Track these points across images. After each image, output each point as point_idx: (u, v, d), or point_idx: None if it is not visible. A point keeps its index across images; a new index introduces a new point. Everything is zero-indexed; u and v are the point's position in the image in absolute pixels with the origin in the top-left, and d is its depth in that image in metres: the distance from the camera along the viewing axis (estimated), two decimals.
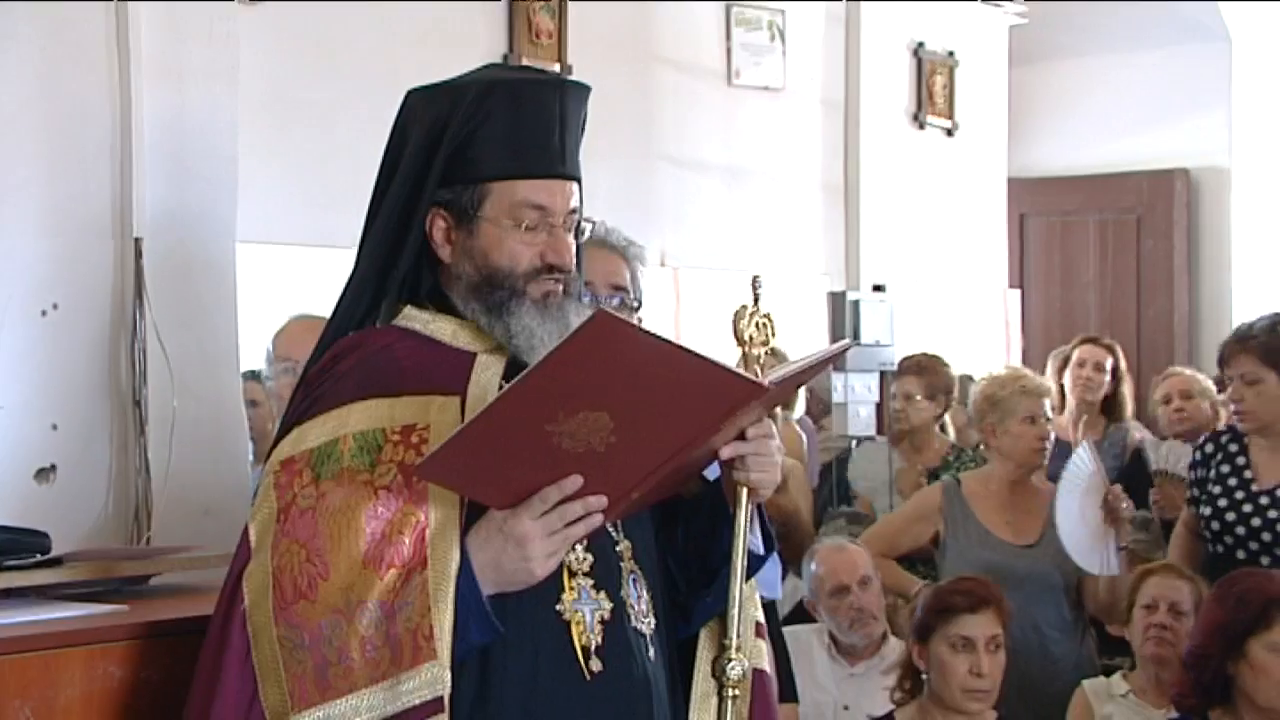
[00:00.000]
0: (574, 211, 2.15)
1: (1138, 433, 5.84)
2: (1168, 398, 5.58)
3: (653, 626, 2.11)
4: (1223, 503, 4.16)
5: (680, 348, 1.83)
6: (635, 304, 2.75)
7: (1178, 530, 4.48)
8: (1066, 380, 5.94)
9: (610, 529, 2.09)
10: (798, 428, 6.21)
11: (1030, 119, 8.60)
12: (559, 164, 2.13)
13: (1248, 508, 4.11)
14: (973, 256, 7.71)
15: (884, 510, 5.57)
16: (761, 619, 2.27)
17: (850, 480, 5.88)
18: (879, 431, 6.40)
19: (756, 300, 2.06)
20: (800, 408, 6.36)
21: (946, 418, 5.84)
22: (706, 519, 2.14)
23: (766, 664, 2.24)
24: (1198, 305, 8.56)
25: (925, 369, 5.70)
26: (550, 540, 1.93)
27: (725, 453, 2.02)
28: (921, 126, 7.42)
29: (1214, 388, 5.58)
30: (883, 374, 6.43)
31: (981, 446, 4.92)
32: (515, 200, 2.10)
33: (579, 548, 2.05)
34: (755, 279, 2.07)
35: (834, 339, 6.44)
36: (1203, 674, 3.52)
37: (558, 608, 2.03)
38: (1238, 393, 4.17)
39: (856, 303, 6.51)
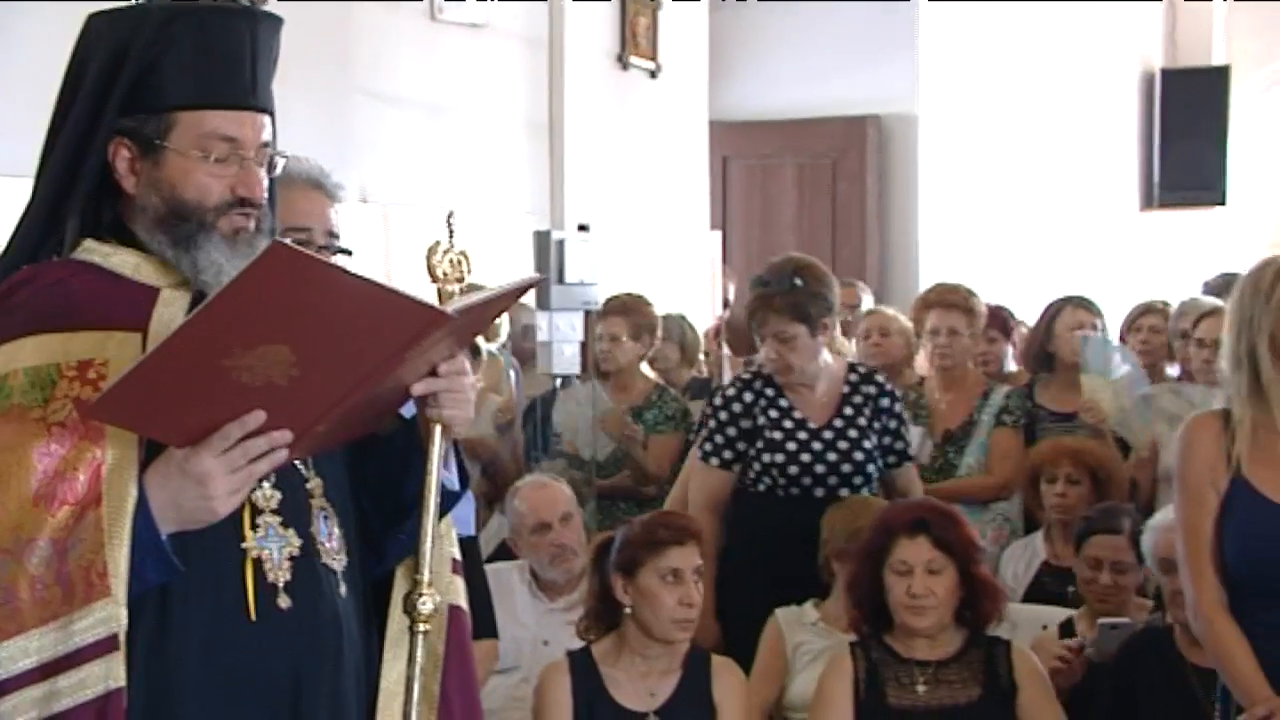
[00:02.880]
0: (266, 145, 2.09)
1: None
2: (867, 333, 5.79)
3: (344, 564, 2.09)
4: (778, 446, 4.29)
5: (359, 277, 1.82)
6: (348, 251, 2.69)
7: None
8: None
9: (300, 466, 2.07)
10: (505, 362, 6.24)
11: (731, 63, 8.74)
12: (250, 95, 2.08)
13: (808, 445, 4.28)
14: (676, 197, 7.83)
15: (587, 449, 5.65)
16: (458, 555, 2.28)
17: (555, 419, 5.93)
18: (583, 370, 6.46)
19: (451, 236, 2.06)
20: (502, 339, 6.37)
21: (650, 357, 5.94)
22: (400, 456, 2.13)
23: (461, 600, 2.25)
24: (888, 246, 8.88)
25: (630, 309, 5.78)
26: (233, 477, 1.90)
27: (417, 389, 2.01)
28: (625, 67, 7.48)
29: (911, 326, 5.82)
30: (587, 313, 6.48)
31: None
32: (204, 131, 2.04)
33: (266, 484, 2.02)
34: (450, 214, 2.06)
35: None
36: (860, 599, 3.74)
37: (243, 545, 2.00)
38: (774, 351, 4.31)
39: (561, 242, 6.53)
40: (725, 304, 7.74)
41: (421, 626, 2.05)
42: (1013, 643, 3.77)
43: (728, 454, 4.34)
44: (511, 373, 6.29)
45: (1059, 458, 4.72)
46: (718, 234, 8.39)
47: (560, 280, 6.36)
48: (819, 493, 4.27)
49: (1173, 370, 5.80)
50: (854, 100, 8.81)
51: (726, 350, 6.64)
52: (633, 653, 3.64)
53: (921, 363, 5.69)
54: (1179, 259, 8.01)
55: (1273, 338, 2.95)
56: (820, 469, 4.26)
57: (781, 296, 4.26)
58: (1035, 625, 4.30)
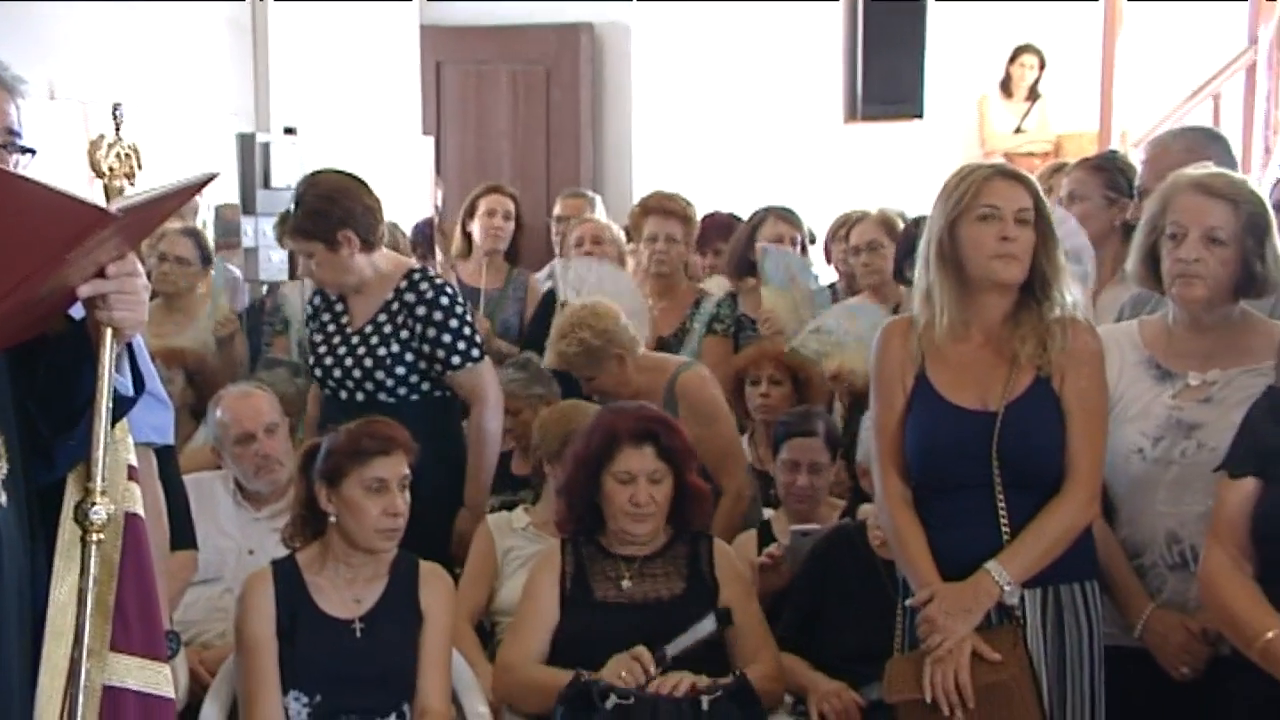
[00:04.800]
0: None
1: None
2: (579, 241, 5.79)
3: (5, 471, 2.01)
4: (323, 350, 4.38)
5: (14, 175, 1.73)
6: (30, 150, 2.54)
7: None
8: (475, 229, 6.06)
9: None
10: (212, 273, 6.04)
11: None
12: None
13: (343, 349, 4.35)
14: (388, 102, 7.69)
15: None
16: (134, 461, 2.20)
17: (268, 324, 5.80)
18: (291, 276, 6.32)
19: (118, 130, 1.97)
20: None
21: None
22: (70, 359, 2.05)
23: (139, 508, 2.18)
24: (602, 155, 8.91)
25: None
26: None
27: (84, 291, 1.94)
28: None
29: (623, 236, 5.85)
30: None
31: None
32: None
33: None
34: (116, 107, 1.98)
35: (243, 182, 6.29)
36: (575, 502, 3.78)
37: None
38: (305, 268, 4.42)
39: (267, 145, 6.37)
40: (437, 210, 7.65)
41: (94, 536, 1.99)
42: (715, 539, 3.86)
43: (311, 358, 4.45)
44: (225, 278, 6.10)
45: (762, 361, 4.84)
46: (431, 140, 8.28)
47: (266, 185, 6.21)
48: (360, 397, 4.30)
49: None
50: (567, 8, 8.77)
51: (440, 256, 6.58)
52: (337, 561, 3.60)
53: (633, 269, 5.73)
54: (880, 171, 8.26)
55: (940, 243, 3.08)
56: (351, 366, 4.30)
57: (293, 220, 4.30)
58: None
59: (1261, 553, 2.84)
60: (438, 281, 4.40)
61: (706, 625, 3.59)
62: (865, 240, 5.18)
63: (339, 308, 4.40)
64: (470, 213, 6.06)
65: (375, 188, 4.38)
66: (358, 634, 3.56)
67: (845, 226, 5.98)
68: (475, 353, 4.34)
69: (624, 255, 5.79)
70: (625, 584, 3.70)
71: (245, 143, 6.38)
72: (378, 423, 3.67)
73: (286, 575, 3.60)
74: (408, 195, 7.69)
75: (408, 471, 3.59)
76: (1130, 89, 8.54)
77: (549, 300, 5.56)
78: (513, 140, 8.92)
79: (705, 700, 3.42)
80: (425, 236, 6.35)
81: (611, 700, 3.40)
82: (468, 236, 6.05)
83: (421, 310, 4.28)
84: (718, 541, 3.86)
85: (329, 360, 4.35)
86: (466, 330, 4.31)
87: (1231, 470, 2.88)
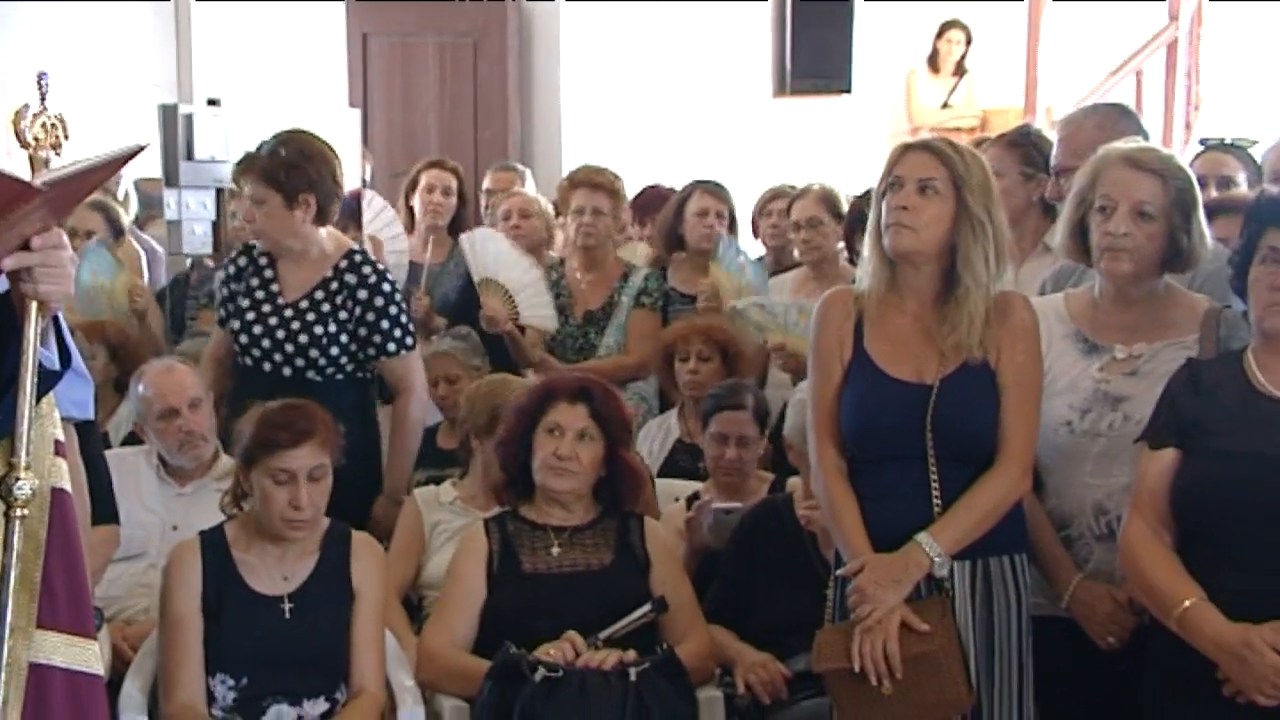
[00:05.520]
0: None
1: None
2: (508, 214, 5.76)
3: None
4: (251, 316, 4.34)
5: None
6: None
7: None
8: (416, 204, 6.03)
9: None
10: (136, 244, 5.97)
11: None
12: None
13: (274, 320, 4.32)
14: (313, 74, 7.61)
15: None
16: (61, 437, 2.17)
17: (193, 298, 5.75)
18: (215, 250, 6.26)
19: (43, 100, 1.93)
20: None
21: None
22: None
23: (65, 483, 2.15)
24: (530, 128, 8.87)
25: None
26: None
27: (8, 264, 1.91)
28: None
29: (552, 210, 5.82)
30: (219, 191, 6.26)
31: None
32: None
33: None
34: (41, 76, 1.94)
35: (166, 154, 6.20)
36: (509, 461, 3.78)
37: None
38: (249, 214, 4.34)
39: (189, 116, 6.28)
40: (364, 183, 7.59)
41: (18, 511, 1.96)
42: (645, 517, 3.87)
43: (222, 313, 4.40)
44: (144, 254, 6.03)
45: (691, 335, 4.84)
46: (357, 112, 8.20)
47: (189, 157, 6.13)
48: (286, 372, 4.28)
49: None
50: None
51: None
52: (264, 537, 3.56)
53: (561, 243, 5.72)
54: (808, 145, 8.28)
55: (874, 216, 3.09)
56: (284, 340, 4.26)
57: (261, 160, 4.23)
58: (669, 499, 4.43)
59: (1181, 523, 2.88)
60: (379, 266, 4.39)
61: (642, 612, 3.60)
62: (806, 216, 5.18)
63: (268, 274, 4.35)
64: (412, 187, 6.04)
65: None
66: (286, 614, 3.51)
67: (773, 200, 6.02)
68: (409, 340, 4.33)
69: (552, 229, 5.78)
70: (555, 550, 3.70)
71: (168, 114, 6.28)
72: (295, 409, 3.59)
73: (214, 548, 3.54)
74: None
75: (322, 462, 3.51)
76: (1055, 65, 8.61)
77: None
78: (440, 113, 8.86)
79: (633, 672, 3.43)
80: (351, 209, 6.30)
81: (540, 673, 3.39)
82: (410, 211, 6.03)
83: (363, 294, 4.26)
84: (648, 519, 3.86)
85: (257, 329, 4.30)
86: (403, 318, 4.32)
87: (1152, 441, 2.93)
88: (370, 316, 4.27)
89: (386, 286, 4.30)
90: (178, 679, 3.42)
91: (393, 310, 4.29)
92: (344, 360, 4.29)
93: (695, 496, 4.30)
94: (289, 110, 7.25)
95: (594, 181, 5.37)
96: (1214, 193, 4.21)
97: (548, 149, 8.61)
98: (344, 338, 4.27)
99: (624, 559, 3.72)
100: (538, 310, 5.14)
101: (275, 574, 3.55)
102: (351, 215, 6.23)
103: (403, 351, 4.32)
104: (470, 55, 8.83)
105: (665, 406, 5.17)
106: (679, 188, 5.89)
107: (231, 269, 4.43)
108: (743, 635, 3.77)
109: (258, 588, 3.52)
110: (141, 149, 2.05)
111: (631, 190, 5.79)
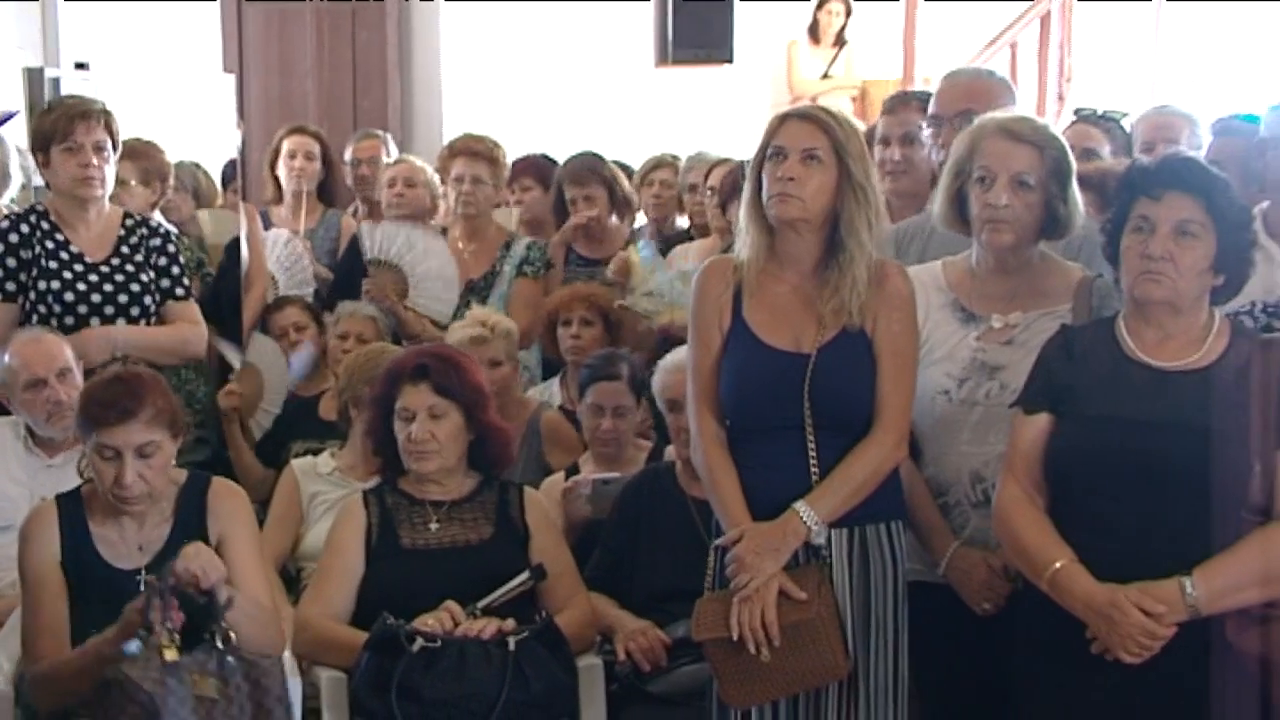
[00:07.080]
0: None
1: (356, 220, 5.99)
2: (392, 183, 5.70)
3: None
4: (56, 282, 4.33)
5: None
6: None
7: None
8: (281, 171, 5.96)
9: None
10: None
11: None
12: None
13: (83, 286, 4.34)
14: (186, 38, 7.45)
15: None
16: None
17: None
18: None
19: None
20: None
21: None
22: None
23: None
24: (410, 97, 8.77)
25: (138, 154, 5.46)
26: None
27: None
28: None
29: (436, 178, 5.77)
30: None
31: None
32: None
33: None
34: None
35: (32, 119, 6.02)
36: (379, 446, 3.76)
37: None
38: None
39: (57, 80, 6.10)
40: (239, 152, 7.46)
41: None
42: (525, 487, 3.85)
43: (10, 286, 4.34)
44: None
45: (573, 302, 4.83)
46: (232, 78, 8.04)
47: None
48: (95, 322, 4.32)
49: (682, 222, 6.01)
50: None
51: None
52: (117, 510, 3.39)
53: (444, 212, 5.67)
54: (690, 115, 8.29)
55: (750, 185, 3.10)
56: (97, 299, 4.32)
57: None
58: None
59: (1053, 486, 2.93)
60: (155, 221, 4.61)
61: (520, 580, 3.58)
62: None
63: (59, 237, 4.35)
64: (275, 156, 5.98)
65: (173, 126, 4.29)
66: (142, 588, 3.26)
67: (655, 170, 6.01)
68: (188, 282, 4.54)
69: (437, 199, 5.72)
70: (433, 526, 3.66)
71: (34, 78, 6.09)
72: (122, 383, 3.37)
73: (70, 516, 3.38)
74: (208, 135, 7.46)
75: (152, 439, 3.30)
76: (932, 37, 8.71)
77: (353, 242, 5.47)
78: (318, 79, 8.73)
79: (512, 641, 3.41)
80: (228, 178, 6.20)
81: (418, 643, 3.37)
82: (276, 181, 5.95)
83: (156, 241, 4.44)
84: (528, 489, 3.85)
85: (69, 296, 4.30)
86: (182, 261, 4.54)
87: (1025, 406, 2.97)
88: (163, 261, 4.44)
89: (170, 233, 4.56)
90: (41, 642, 3.30)
91: (181, 257, 4.52)
92: (149, 303, 4.39)
93: (574, 467, 4.29)
94: (160, 75, 7.12)
95: (473, 150, 5.33)
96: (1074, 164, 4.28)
97: (428, 117, 8.53)
98: (147, 299, 4.38)
99: (504, 531, 3.69)
100: (434, 305, 5.13)
101: (131, 544, 3.38)
102: (228, 184, 6.13)
103: (190, 298, 4.53)
104: (349, 21, 8.72)
105: (548, 375, 5.15)
106: (558, 156, 5.87)
107: (14, 238, 4.34)
108: (624, 603, 3.78)
109: (114, 562, 3.36)
110: (14, 114, 1.97)
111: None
